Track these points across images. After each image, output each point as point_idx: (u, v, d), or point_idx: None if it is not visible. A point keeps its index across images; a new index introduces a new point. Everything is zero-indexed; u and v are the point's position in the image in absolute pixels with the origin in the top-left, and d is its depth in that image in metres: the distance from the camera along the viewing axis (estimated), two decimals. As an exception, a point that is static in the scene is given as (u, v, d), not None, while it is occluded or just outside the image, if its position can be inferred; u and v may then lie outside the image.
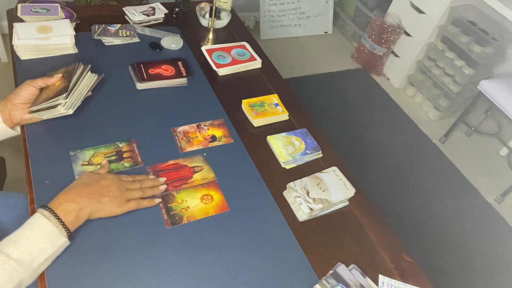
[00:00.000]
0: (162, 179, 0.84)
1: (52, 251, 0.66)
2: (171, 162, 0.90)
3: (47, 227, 0.66)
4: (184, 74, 1.10)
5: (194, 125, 1.00)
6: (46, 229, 0.66)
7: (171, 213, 0.80)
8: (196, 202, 0.83)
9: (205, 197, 0.85)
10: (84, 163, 0.84)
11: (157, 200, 0.81)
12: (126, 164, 0.86)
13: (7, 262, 0.61)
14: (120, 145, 0.90)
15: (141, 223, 0.77)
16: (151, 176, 0.84)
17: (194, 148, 0.94)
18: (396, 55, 2.68)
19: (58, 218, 0.68)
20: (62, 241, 0.67)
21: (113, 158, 0.87)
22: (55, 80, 0.91)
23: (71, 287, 0.66)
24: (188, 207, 0.82)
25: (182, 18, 1.38)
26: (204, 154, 0.93)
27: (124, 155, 0.88)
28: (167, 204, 0.81)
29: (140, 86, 1.05)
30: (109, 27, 1.20)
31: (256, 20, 2.90)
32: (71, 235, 0.70)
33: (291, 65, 2.68)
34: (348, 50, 2.98)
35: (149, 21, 1.30)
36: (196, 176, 0.88)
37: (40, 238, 0.65)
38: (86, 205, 0.71)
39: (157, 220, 0.78)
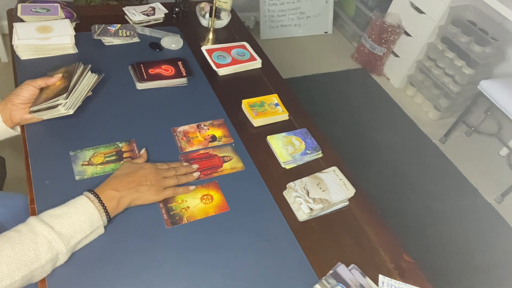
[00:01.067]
0: (195, 166, 0.89)
1: (89, 231, 0.69)
2: (202, 151, 0.93)
3: (90, 208, 0.70)
4: (184, 74, 1.10)
5: (194, 125, 1.00)
6: (89, 210, 0.69)
7: (171, 213, 0.80)
8: (196, 202, 0.83)
9: (205, 197, 0.85)
10: (84, 163, 0.84)
11: (192, 187, 0.84)
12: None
13: (50, 233, 0.64)
14: (120, 145, 0.90)
15: (141, 223, 0.77)
16: (185, 163, 0.89)
17: (194, 148, 0.94)
18: (396, 55, 2.68)
19: (101, 203, 0.72)
20: (99, 224, 0.71)
21: (113, 158, 0.87)
22: (55, 80, 0.91)
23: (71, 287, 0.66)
24: (188, 207, 0.82)
25: (182, 18, 1.38)
26: (233, 144, 0.97)
27: (124, 155, 0.88)
28: (167, 204, 0.81)
29: (140, 86, 1.05)
30: (109, 27, 1.20)
31: (256, 20, 2.90)
32: (110, 221, 0.74)
33: (291, 65, 2.68)
34: (348, 50, 2.98)
35: (149, 21, 1.30)
36: (226, 166, 0.92)
37: (82, 217, 0.68)
38: (126, 193, 0.75)
39: (157, 220, 0.78)
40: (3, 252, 0.60)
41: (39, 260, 0.62)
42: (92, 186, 0.79)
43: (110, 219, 0.73)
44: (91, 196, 0.72)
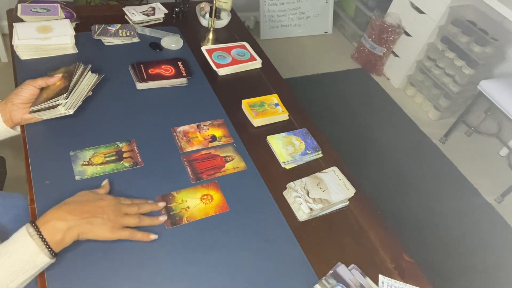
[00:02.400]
0: (162, 204, 0.80)
1: (33, 272, 0.63)
2: (203, 152, 0.93)
3: (30, 246, 0.62)
4: (184, 74, 1.10)
5: (194, 125, 1.00)
6: (29, 249, 0.62)
7: (171, 213, 0.80)
8: (196, 202, 0.83)
9: (205, 197, 0.85)
10: (84, 163, 0.84)
11: (153, 236, 0.74)
12: (126, 164, 0.86)
13: None
14: (120, 145, 0.90)
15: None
16: (150, 201, 0.80)
17: (194, 148, 0.94)
18: (396, 55, 2.68)
19: (42, 238, 0.63)
20: (45, 261, 0.64)
21: (113, 158, 0.87)
22: (56, 80, 0.91)
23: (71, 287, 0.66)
24: (188, 207, 0.82)
25: (182, 18, 1.38)
26: (235, 144, 0.97)
27: (124, 155, 0.88)
28: (167, 204, 0.81)
29: (140, 86, 1.05)
30: (109, 27, 1.20)
31: (256, 20, 2.90)
32: (56, 255, 0.66)
33: (291, 65, 2.68)
34: (348, 50, 2.98)
35: (149, 21, 1.30)
36: (228, 165, 0.92)
37: (22, 258, 0.62)
38: (75, 224, 0.67)
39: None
40: None
41: None
42: (92, 186, 0.79)
43: (55, 254, 0.65)
44: (31, 230, 0.63)
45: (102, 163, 0.85)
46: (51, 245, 0.64)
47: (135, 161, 0.88)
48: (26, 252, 0.62)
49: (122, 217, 0.72)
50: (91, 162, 0.85)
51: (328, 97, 2.53)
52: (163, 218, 0.77)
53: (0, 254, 0.61)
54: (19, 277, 0.62)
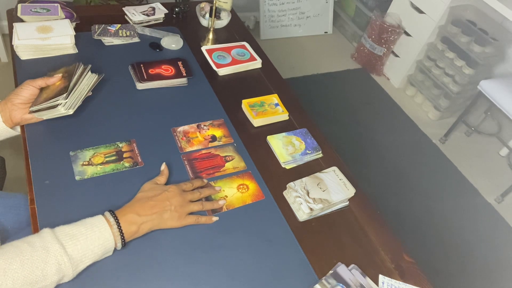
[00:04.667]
0: (218, 188, 0.86)
1: (100, 257, 0.68)
2: (204, 151, 0.93)
3: (106, 234, 0.67)
4: (184, 74, 1.10)
5: (194, 125, 1.00)
6: (105, 236, 0.67)
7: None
8: (233, 191, 0.85)
9: (241, 186, 0.87)
10: (84, 163, 0.84)
11: (215, 218, 0.80)
12: (126, 164, 0.86)
13: (62, 255, 0.62)
14: (120, 145, 0.90)
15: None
16: (205, 180, 0.86)
17: (194, 148, 0.94)
18: (396, 55, 2.68)
19: (120, 228, 0.69)
20: (111, 250, 0.69)
21: (113, 158, 0.87)
22: (55, 80, 0.91)
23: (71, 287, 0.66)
24: (227, 196, 0.84)
25: (182, 18, 1.38)
26: (235, 144, 0.97)
27: (124, 155, 0.88)
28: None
29: (140, 86, 1.05)
30: (109, 27, 1.20)
31: (256, 20, 2.90)
32: (125, 246, 0.71)
33: (291, 65, 2.68)
34: (348, 50, 2.98)
35: (149, 21, 1.30)
36: (228, 165, 0.92)
37: (96, 242, 0.66)
38: (148, 219, 0.72)
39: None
40: (12, 266, 0.58)
41: (45, 280, 0.61)
42: (91, 186, 0.79)
43: (125, 244, 0.70)
44: (111, 219, 0.69)
45: (102, 163, 0.85)
46: (125, 235, 0.69)
47: (135, 161, 0.88)
48: (102, 237, 0.66)
49: (187, 206, 0.78)
50: (91, 162, 0.85)
51: (328, 97, 2.53)
52: (222, 202, 0.83)
53: (76, 236, 0.64)
54: (88, 259, 0.65)
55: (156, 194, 0.76)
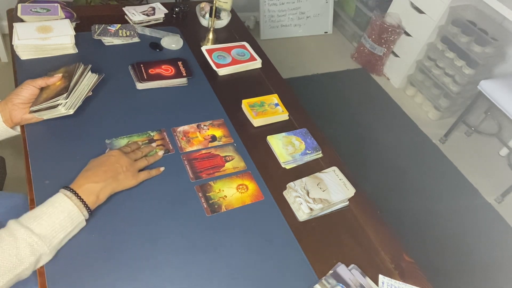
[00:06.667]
0: (154, 144, 0.91)
1: (71, 229, 0.69)
2: (204, 151, 0.94)
3: (68, 206, 0.69)
4: (184, 74, 1.10)
5: (194, 125, 1.00)
6: (68, 208, 0.69)
7: (210, 201, 0.82)
8: (232, 192, 0.85)
9: (241, 186, 0.87)
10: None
11: (162, 168, 0.86)
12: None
13: (30, 236, 0.64)
14: (152, 134, 0.91)
15: (141, 223, 0.77)
16: (139, 142, 0.90)
17: (194, 148, 0.94)
18: (396, 55, 2.68)
19: (80, 198, 0.71)
20: (81, 219, 0.71)
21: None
22: (56, 79, 0.91)
23: (71, 287, 0.66)
24: (226, 196, 0.84)
25: (182, 18, 1.38)
26: (235, 144, 0.97)
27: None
28: (206, 193, 0.84)
29: (140, 86, 1.05)
30: (109, 27, 1.20)
31: (256, 20, 2.90)
32: (92, 214, 0.74)
33: (291, 65, 2.68)
34: (348, 50, 2.98)
35: (149, 21, 1.30)
36: (228, 165, 0.92)
37: (62, 216, 0.68)
38: (105, 184, 0.75)
39: (155, 221, 0.78)
40: None
41: (23, 264, 0.63)
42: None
43: (91, 212, 0.73)
44: (68, 193, 0.71)
45: None
46: (88, 204, 0.72)
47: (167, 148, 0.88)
48: (65, 210, 0.69)
49: (135, 164, 0.82)
50: None
51: (328, 97, 2.53)
52: (161, 153, 0.89)
53: (39, 216, 0.67)
54: (59, 233, 0.67)
55: (104, 161, 0.78)
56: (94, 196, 0.73)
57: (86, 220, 0.73)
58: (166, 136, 0.94)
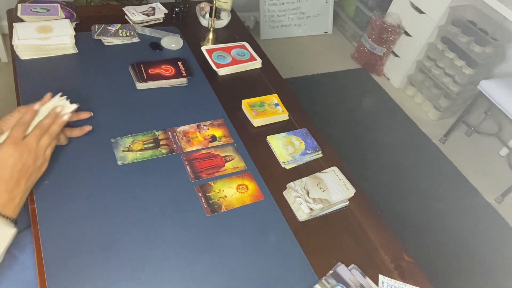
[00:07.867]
0: (37, 105, 0.75)
1: (2, 241, 0.64)
2: (204, 151, 0.93)
3: None
4: (184, 74, 1.10)
5: (194, 125, 1.00)
6: None
7: (210, 201, 0.82)
8: (232, 192, 0.85)
9: (240, 186, 0.87)
10: (125, 149, 0.86)
11: (87, 128, 0.83)
12: (163, 151, 0.86)
13: None
14: (157, 133, 0.92)
15: (141, 223, 0.77)
16: (22, 110, 0.75)
17: (194, 148, 0.94)
18: (396, 55, 2.68)
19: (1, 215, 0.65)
20: (10, 229, 0.65)
21: (151, 145, 0.89)
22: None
23: (71, 287, 0.66)
24: (225, 196, 0.84)
25: (182, 18, 1.38)
26: (235, 144, 0.97)
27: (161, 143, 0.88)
28: (206, 193, 0.84)
29: (140, 86, 1.05)
30: (109, 27, 1.20)
31: (256, 20, 2.90)
32: (16, 221, 0.68)
33: (291, 65, 2.68)
34: (348, 50, 2.98)
35: (149, 21, 1.30)
36: (228, 165, 0.92)
37: None
38: (23, 192, 0.69)
39: (157, 220, 0.78)
40: None
41: None
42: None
43: (15, 220, 0.67)
44: None
45: (141, 150, 0.88)
46: (9, 215, 0.66)
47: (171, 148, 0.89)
48: None
49: (40, 150, 0.72)
50: (131, 149, 0.88)
51: (328, 97, 2.53)
52: (66, 117, 0.77)
53: None
54: None
55: (5, 168, 0.67)
56: (11, 205, 0.66)
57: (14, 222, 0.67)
58: (171, 136, 0.94)
